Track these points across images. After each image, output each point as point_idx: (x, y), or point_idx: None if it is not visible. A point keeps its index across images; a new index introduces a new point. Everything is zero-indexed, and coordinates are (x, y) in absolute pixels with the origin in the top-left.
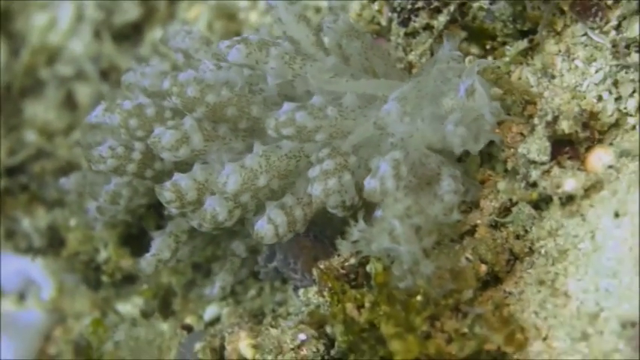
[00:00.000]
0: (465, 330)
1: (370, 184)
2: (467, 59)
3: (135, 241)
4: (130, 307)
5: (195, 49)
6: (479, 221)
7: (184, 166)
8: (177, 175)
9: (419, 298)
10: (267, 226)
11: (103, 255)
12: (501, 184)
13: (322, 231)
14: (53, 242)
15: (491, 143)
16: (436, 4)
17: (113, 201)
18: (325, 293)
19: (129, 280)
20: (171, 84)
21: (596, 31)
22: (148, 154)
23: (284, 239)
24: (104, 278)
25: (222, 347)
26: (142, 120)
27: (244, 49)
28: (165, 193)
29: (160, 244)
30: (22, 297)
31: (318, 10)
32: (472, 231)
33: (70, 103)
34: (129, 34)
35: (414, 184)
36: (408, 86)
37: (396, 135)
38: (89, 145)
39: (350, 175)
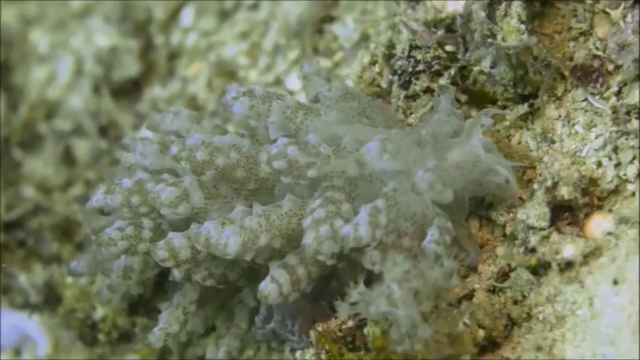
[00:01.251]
0: None
1: (344, 229)
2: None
3: (131, 298)
4: None
5: (186, 129)
6: (477, 286)
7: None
8: (171, 234)
9: None
10: (270, 286)
11: (99, 312)
12: (500, 250)
13: (321, 292)
14: (50, 298)
15: (490, 207)
16: (437, 67)
17: (125, 276)
18: (323, 356)
19: (125, 337)
20: (180, 149)
21: (597, 97)
22: (157, 229)
23: (290, 298)
24: (100, 336)
25: None
26: (144, 196)
27: (247, 102)
28: (159, 252)
29: (168, 317)
30: (17, 353)
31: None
32: (470, 295)
33: (68, 158)
34: (128, 90)
35: (411, 232)
36: (400, 131)
37: (387, 185)
38: (95, 229)
39: (343, 221)
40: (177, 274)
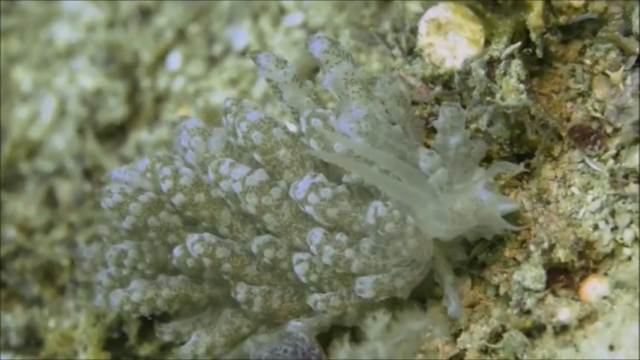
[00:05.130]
0: None
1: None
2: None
3: (116, 345)
4: None
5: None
6: (469, 345)
7: None
8: (176, 323)
9: None
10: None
11: (81, 357)
12: (495, 311)
13: (310, 349)
14: (29, 341)
15: (483, 266)
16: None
17: (118, 262)
18: None
19: None
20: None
21: (594, 159)
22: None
23: None
24: None
25: None
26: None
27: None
28: (165, 337)
29: (199, 339)
30: None
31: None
32: (461, 355)
33: (50, 199)
34: (113, 133)
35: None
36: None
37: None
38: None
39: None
40: None
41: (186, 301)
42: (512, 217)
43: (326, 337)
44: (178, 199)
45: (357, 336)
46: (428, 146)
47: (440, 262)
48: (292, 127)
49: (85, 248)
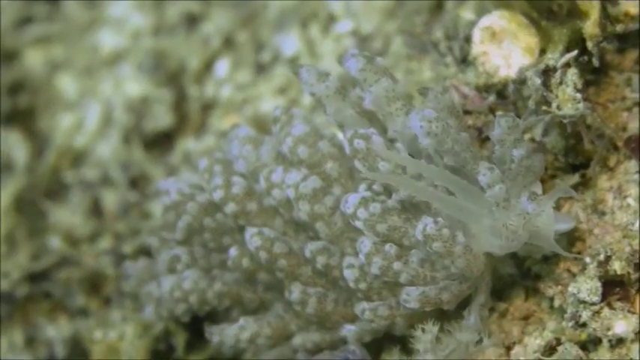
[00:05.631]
0: None
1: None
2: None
3: (162, 357)
4: None
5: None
6: (522, 358)
7: None
8: (225, 325)
9: None
10: None
11: None
12: (550, 324)
13: None
14: (75, 353)
15: (537, 277)
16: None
17: (171, 267)
18: None
19: None
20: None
21: None
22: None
23: None
24: None
25: None
26: None
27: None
28: (214, 338)
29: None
30: None
31: None
32: None
33: (96, 209)
34: (160, 142)
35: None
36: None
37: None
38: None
39: None
40: None
41: (238, 299)
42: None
43: (376, 349)
44: (231, 208)
45: (407, 347)
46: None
47: (484, 279)
48: (342, 136)
49: (131, 265)
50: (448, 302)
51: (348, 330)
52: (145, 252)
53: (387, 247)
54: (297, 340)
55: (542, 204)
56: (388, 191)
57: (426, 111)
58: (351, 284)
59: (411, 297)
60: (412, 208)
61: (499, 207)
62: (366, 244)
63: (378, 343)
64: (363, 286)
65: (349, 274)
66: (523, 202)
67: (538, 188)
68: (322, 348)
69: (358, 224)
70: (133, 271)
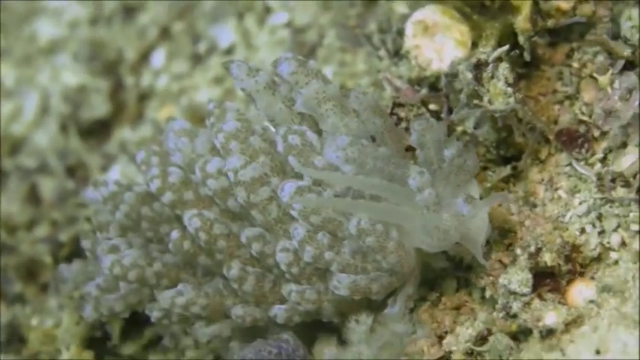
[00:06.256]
0: None
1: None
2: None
3: (99, 344)
4: None
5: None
6: (454, 348)
7: None
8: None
9: None
10: None
11: (64, 356)
12: (481, 314)
13: (294, 350)
14: (12, 339)
15: (468, 269)
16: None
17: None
18: None
19: None
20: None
21: (581, 163)
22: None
23: None
24: None
25: None
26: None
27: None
28: (155, 313)
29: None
30: None
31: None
32: (447, 357)
33: (33, 196)
34: (96, 131)
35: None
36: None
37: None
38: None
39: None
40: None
41: (176, 282)
42: (499, 219)
43: (310, 339)
44: (168, 197)
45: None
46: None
47: (412, 272)
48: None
49: (66, 268)
50: (377, 293)
51: (278, 309)
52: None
53: (320, 235)
54: (238, 311)
55: (477, 207)
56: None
57: (339, 139)
58: (283, 267)
59: (342, 284)
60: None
61: (430, 210)
62: (299, 231)
63: (312, 333)
64: (295, 270)
65: (282, 257)
66: (459, 204)
67: (474, 188)
68: (255, 326)
69: (293, 213)
70: (69, 274)
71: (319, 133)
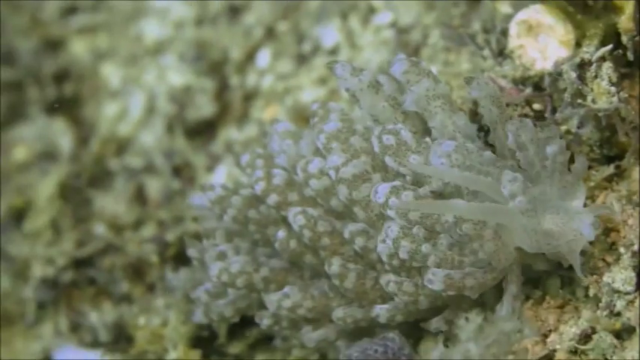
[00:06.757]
0: None
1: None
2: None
3: (206, 343)
4: None
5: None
6: (558, 346)
7: None
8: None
9: None
10: None
11: (172, 355)
12: (586, 313)
13: (400, 348)
14: (119, 338)
15: (572, 267)
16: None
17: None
18: None
19: None
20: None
21: None
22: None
23: None
24: None
25: None
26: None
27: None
28: (265, 321)
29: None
30: None
31: None
32: (551, 356)
33: (140, 196)
34: (202, 131)
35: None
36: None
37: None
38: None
39: None
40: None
41: (283, 285)
42: (602, 217)
43: (416, 338)
44: (273, 199)
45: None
46: None
47: (513, 271)
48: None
49: (174, 277)
50: (471, 289)
51: (380, 308)
52: (193, 237)
53: (416, 229)
54: (339, 313)
55: (584, 216)
56: (418, 185)
57: (444, 145)
58: (384, 257)
59: (436, 277)
60: (442, 199)
61: (525, 215)
62: (393, 229)
63: (418, 333)
64: (395, 262)
65: (384, 248)
66: (584, 225)
67: (581, 191)
68: (360, 327)
69: (390, 213)
70: (177, 282)
71: (427, 131)
